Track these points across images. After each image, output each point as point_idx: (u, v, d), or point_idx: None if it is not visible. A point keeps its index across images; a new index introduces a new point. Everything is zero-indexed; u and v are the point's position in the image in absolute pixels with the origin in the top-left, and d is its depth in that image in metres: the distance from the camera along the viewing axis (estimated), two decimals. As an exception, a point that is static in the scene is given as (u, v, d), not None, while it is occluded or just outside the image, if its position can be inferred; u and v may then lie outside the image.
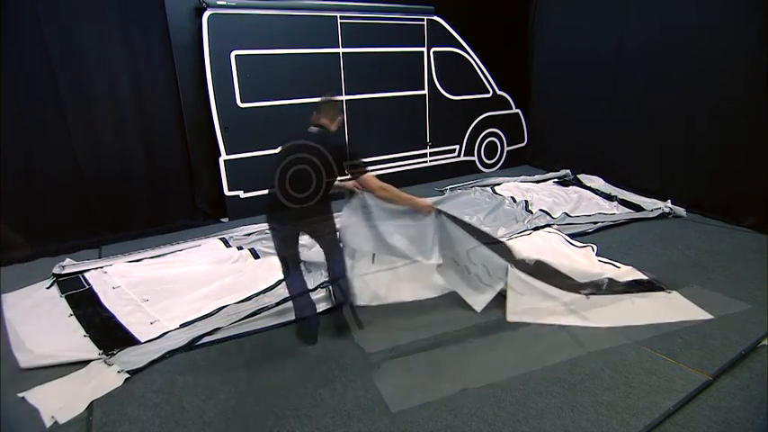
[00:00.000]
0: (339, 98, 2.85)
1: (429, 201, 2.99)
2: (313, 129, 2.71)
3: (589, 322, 2.88)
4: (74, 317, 3.16)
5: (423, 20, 6.04)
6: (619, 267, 3.57)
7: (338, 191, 2.91)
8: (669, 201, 4.99)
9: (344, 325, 2.94)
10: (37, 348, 2.81)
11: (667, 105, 5.16)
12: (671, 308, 3.02)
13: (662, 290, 3.22)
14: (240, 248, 4.16)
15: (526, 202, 5.19)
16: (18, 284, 3.70)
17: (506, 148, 7.26)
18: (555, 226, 4.46)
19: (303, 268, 3.02)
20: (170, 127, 4.89)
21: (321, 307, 3.10)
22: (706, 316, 2.92)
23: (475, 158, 7.01)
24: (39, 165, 4.26)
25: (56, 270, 3.80)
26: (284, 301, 3.16)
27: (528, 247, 3.78)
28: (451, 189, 5.98)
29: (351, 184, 2.88)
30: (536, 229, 4.39)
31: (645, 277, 3.39)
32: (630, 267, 3.54)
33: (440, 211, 3.00)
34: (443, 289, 3.27)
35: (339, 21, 5.44)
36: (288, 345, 2.83)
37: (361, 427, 2.17)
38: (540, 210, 4.93)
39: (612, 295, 3.15)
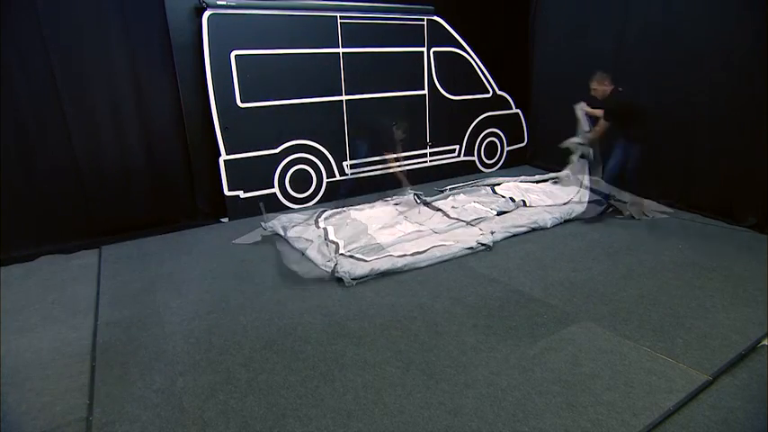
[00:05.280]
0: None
1: None
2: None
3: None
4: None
5: (423, 20, 6.04)
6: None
7: None
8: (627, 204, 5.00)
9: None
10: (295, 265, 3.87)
11: (667, 105, 5.16)
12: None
13: None
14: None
15: (524, 201, 5.20)
16: (18, 284, 3.73)
17: (506, 148, 7.27)
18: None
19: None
20: (170, 127, 4.89)
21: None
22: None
23: (475, 158, 7.02)
24: (39, 165, 4.27)
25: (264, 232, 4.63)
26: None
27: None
28: (451, 189, 5.97)
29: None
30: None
31: None
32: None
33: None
34: None
35: (339, 21, 5.44)
36: (288, 345, 2.84)
37: (361, 427, 2.17)
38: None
39: None
